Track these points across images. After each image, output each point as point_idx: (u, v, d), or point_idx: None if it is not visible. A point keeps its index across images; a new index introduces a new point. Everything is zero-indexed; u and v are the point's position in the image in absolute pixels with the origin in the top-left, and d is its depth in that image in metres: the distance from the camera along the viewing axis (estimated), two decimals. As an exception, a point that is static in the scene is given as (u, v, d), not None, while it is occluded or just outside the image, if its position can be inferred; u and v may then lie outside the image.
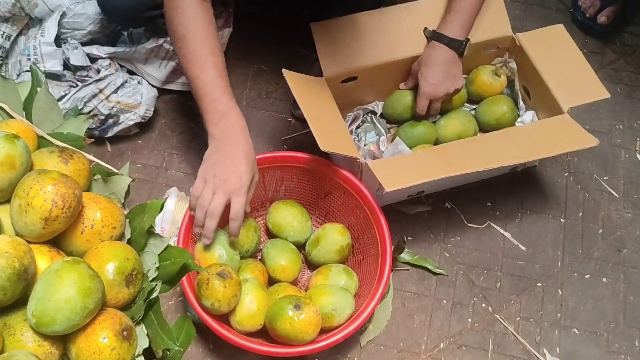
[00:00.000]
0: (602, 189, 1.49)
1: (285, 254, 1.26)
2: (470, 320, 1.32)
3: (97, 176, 0.96)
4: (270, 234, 1.35)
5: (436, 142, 1.45)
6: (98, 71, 1.43)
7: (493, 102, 1.47)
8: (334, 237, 1.28)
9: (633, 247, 1.42)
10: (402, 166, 1.23)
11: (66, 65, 1.43)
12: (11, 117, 0.98)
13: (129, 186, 0.95)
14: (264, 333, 1.19)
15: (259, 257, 1.33)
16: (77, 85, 1.42)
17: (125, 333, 0.82)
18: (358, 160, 1.23)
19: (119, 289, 0.86)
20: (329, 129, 1.24)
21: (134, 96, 1.43)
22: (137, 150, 1.48)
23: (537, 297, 1.35)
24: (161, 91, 1.52)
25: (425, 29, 1.37)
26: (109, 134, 1.45)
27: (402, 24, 1.40)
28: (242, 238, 1.22)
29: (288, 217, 1.31)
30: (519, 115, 1.47)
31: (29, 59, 1.41)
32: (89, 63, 1.43)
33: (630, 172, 1.52)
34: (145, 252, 0.90)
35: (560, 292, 1.36)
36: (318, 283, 1.25)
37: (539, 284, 1.36)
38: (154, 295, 0.86)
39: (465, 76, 1.53)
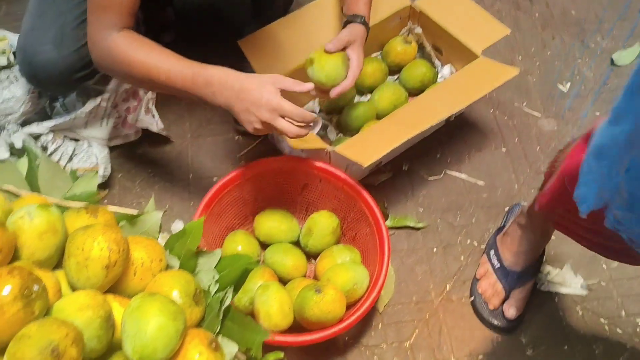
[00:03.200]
0: (526, 112, 1.67)
1: (289, 254, 1.34)
2: (462, 257, 1.45)
3: (122, 222, 1.00)
4: (264, 245, 1.42)
5: (377, 117, 1.57)
6: (44, 148, 1.45)
7: (412, 67, 1.61)
8: (323, 222, 1.37)
9: (568, 152, 1.61)
10: (366, 142, 1.33)
11: (11, 149, 1.43)
12: (18, 196, 1.00)
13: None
14: (292, 329, 1.26)
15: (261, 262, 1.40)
16: (27, 167, 1.43)
17: (214, 345, 0.87)
18: (325, 150, 1.33)
19: (191, 310, 0.91)
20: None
21: (90, 159, 1.46)
22: (105, 210, 1.50)
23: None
24: (109, 149, 1.55)
25: (343, 12, 1.46)
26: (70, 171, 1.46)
27: (316, 20, 1.51)
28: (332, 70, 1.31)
29: (274, 224, 1.39)
30: (437, 72, 1.62)
31: (-26, 154, 1.41)
32: (33, 142, 1.44)
33: (541, 92, 1.72)
34: (199, 272, 0.96)
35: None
36: (326, 267, 1.33)
37: (507, 208, 1.51)
38: (227, 303, 0.91)
39: (379, 52, 1.67)
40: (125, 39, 1.15)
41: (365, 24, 1.40)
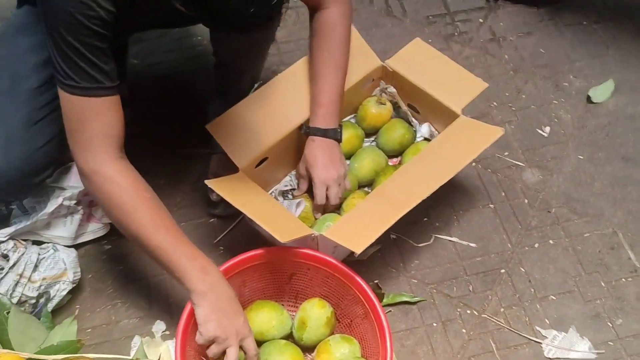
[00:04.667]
0: (509, 164, 1.62)
1: (286, 354, 1.25)
2: (464, 331, 1.38)
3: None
4: (257, 342, 1.32)
5: (359, 185, 1.50)
6: (5, 256, 1.33)
7: (389, 129, 1.55)
8: (316, 312, 1.28)
9: (557, 204, 1.56)
10: (356, 225, 1.26)
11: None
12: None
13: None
14: None
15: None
16: (-10, 280, 1.31)
17: None
18: (312, 235, 1.25)
19: None
20: (275, 218, 1.25)
21: (57, 265, 1.34)
22: (78, 317, 1.38)
23: (507, 283, 1.44)
24: (75, 247, 1.43)
25: (302, 126, 1.40)
26: (44, 314, 1.35)
27: (286, 93, 1.43)
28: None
29: (263, 320, 1.29)
30: (416, 132, 1.56)
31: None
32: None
33: (522, 140, 1.67)
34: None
35: (523, 270, 1.46)
36: (326, 364, 1.25)
37: (502, 271, 1.45)
38: None
39: (354, 115, 1.60)
40: (128, 185, 1.09)
41: (329, 135, 1.37)
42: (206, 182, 1.26)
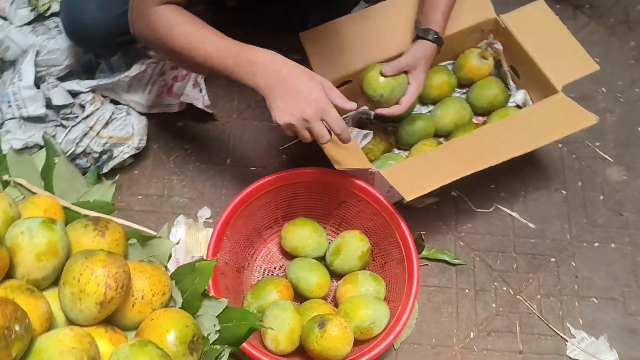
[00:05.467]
0: (596, 155, 1.54)
1: (315, 272, 1.27)
2: (494, 305, 1.36)
3: (133, 240, 0.94)
4: (289, 255, 1.35)
5: (435, 133, 1.46)
6: (82, 107, 1.38)
7: (484, 86, 1.49)
8: (353, 244, 1.29)
9: (633, 209, 1.47)
10: (417, 171, 1.23)
11: (48, 104, 1.37)
12: (31, 192, 0.94)
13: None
14: (302, 351, 1.21)
15: (280, 274, 1.34)
16: (62, 125, 1.37)
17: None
18: (370, 170, 1.24)
19: (184, 359, 0.85)
20: (337, 144, 1.24)
21: (126, 128, 1.40)
22: (134, 181, 1.45)
23: (553, 272, 1.39)
24: (149, 116, 1.48)
25: (417, 23, 1.35)
26: (104, 170, 1.41)
27: (388, 21, 1.39)
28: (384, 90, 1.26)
29: (302, 237, 1.31)
30: (510, 95, 1.49)
31: (9, 106, 1.35)
32: (71, 100, 1.38)
33: (618, 134, 1.57)
34: (201, 315, 0.89)
35: (573, 264, 1.40)
36: (348, 292, 1.26)
37: (552, 259, 1.41)
38: (223, 360, 0.85)
39: (452, 62, 1.54)
40: (170, 11, 1.05)
41: (437, 40, 1.28)
42: None
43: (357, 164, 1.22)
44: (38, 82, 1.39)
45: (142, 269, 0.89)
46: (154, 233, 0.93)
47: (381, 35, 1.38)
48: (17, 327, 0.72)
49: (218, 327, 0.87)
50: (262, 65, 1.01)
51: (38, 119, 1.37)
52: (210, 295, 0.90)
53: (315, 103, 1.01)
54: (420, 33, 1.29)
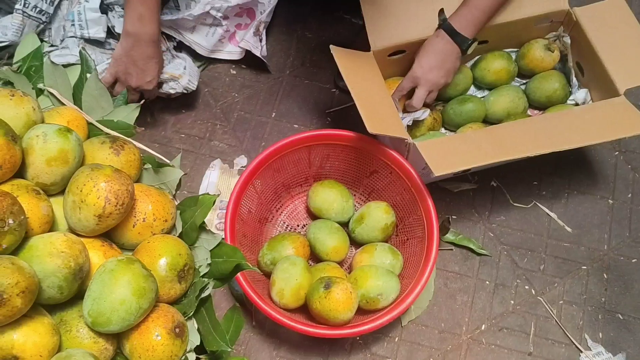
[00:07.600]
0: (654, 170, 1.46)
1: (334, 236, 1.26)
2: (512, 302, 1.31)
3: (148, 165, 0.96)
4: (313, 215, 1.35)
5: (485, 119, 1.42)
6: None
7: (544, 78, 1.43)
8: (378, 215, 1.28)
9: (682, 232, 1.39)
10: (451, 148, 1.20)
11: (110, 32, 1.41)
12: (61, 103, 0.97)
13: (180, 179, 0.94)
14: (306, 310, 1.21)
15: (303, 232, 1.34)
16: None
17: (177, 330, 0.83)
18: (406, 140, 1.21)
19: (172, 285, 0.87)
20: (376, 109, 1.22)
21: (178, 67, 1.41)
22: (180, 120, 1.47)
23: (582, 281, 1.33)
24: (207, 61, 1.51)
25: (441, 11, 1.31)
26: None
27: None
28: None
29: (328, 199, 1.31)
30: (571, 93, 1.42)
31: (72, 25, 1.39)
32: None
33: (683, 151, 1.48)
34: (197, 247, 0.91)
35: (605, 276, 1.34)
36: (363, 262, 1.25)
37: (584, 267, 1.35)
38: (206, 293, 0.86)
39: (516, 50, 1.49)
40: None
41: (456, 41, 1.28)
42: (331, 47, 1.24)
43: (391, 131, 1.19)
44: (105, 8, 1.42)
45: (149, 192, 0.91)
46: (167, 161, 0.95)
47: (441, 7, 1.35)
48: (10, 221, 0.75)
49: (209, 261, 0.88)
50: (143, 30, 1.22)
51: (98, 43, 1.40)
52: (208, 229, 0.91)
53: (148, 80, 1.28)
54: (441, 21, 1.31)
